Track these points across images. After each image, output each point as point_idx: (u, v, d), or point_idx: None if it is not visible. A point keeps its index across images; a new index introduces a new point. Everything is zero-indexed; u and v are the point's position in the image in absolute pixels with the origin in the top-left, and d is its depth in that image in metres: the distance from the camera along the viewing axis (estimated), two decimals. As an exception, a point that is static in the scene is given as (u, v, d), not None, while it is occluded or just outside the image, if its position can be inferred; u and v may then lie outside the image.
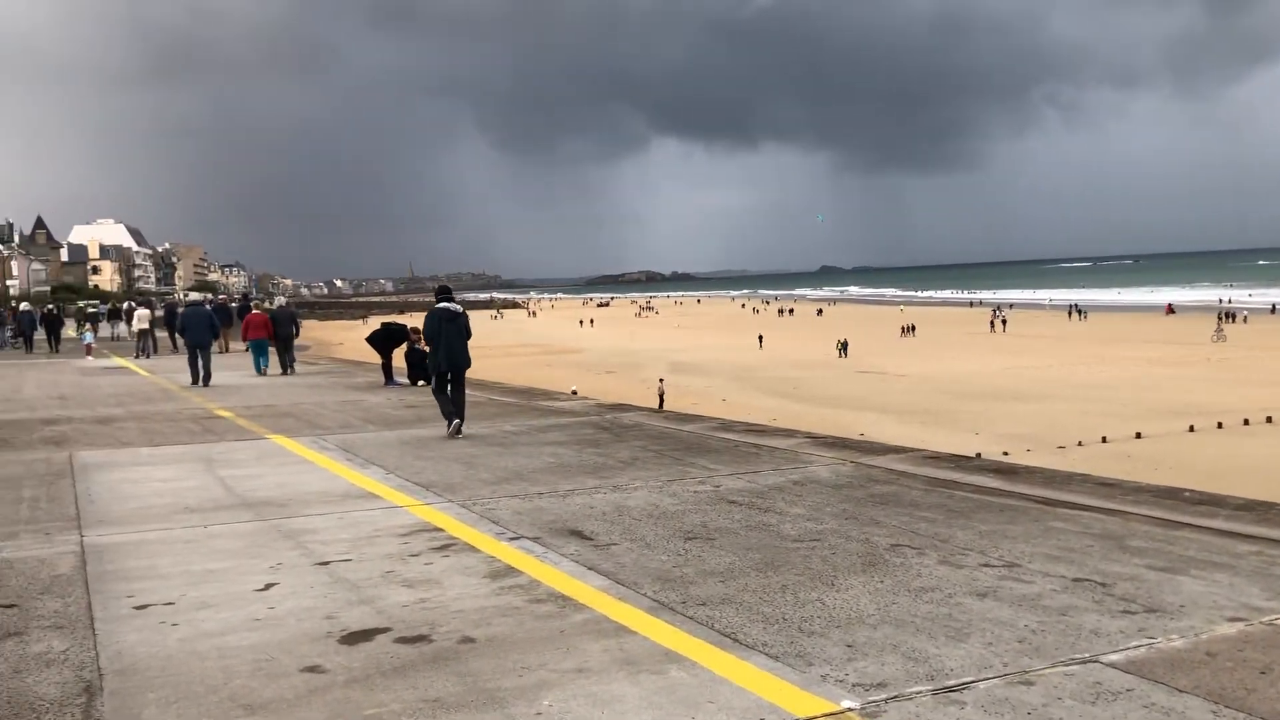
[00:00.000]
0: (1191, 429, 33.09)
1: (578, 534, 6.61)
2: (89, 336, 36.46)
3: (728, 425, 11.59)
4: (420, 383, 18.32)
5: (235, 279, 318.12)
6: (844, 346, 65.74)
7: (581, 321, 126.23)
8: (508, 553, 6.16)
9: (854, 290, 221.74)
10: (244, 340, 24.78)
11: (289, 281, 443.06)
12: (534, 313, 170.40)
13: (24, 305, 44.32)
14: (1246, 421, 33.84)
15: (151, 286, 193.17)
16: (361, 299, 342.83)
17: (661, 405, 43.08)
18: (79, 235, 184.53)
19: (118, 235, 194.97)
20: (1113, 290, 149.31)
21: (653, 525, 6.79)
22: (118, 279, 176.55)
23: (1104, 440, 31.90)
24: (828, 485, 8.01)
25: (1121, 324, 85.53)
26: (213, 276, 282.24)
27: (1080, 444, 31.82)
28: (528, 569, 5.78)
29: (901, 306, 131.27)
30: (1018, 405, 41.36)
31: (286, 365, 23.69)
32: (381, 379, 19.79)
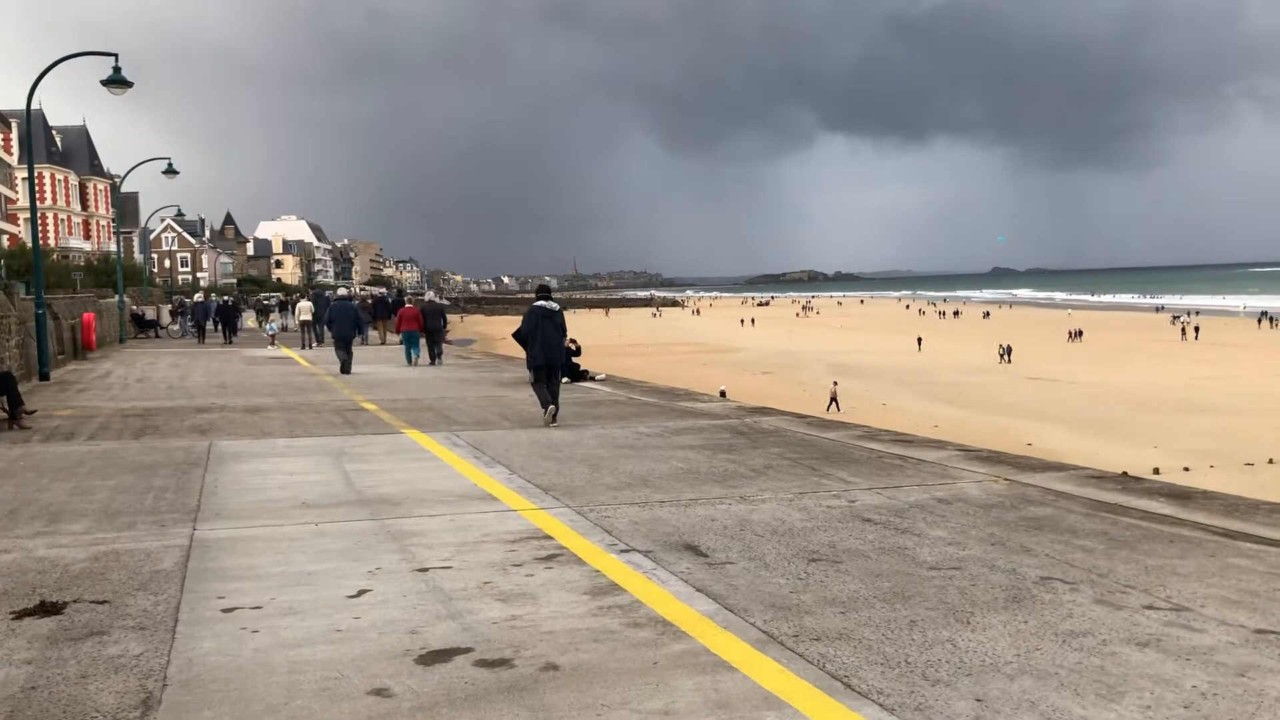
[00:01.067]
0: (1405, 450, 30.03)
1: (693, 549, 6.16)
2: (273, 326, 38.22)
3: (873, 434, 10.90)
4: (566, 380, 18.18)
5: (408, 274, 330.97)
6: (1007, 351, 62.93)
7: (742, 321, 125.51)
8: (615, 567, 5.77)
9: (1023, 294, 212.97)
10: (397, 332, 26.04)
11: (459, 277, 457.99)
12: (697, 310, 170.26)
13: (197, 296, 46.96)
14: None
15: (330, 280, 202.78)
16: (527, 295, 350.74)
17: (831, 407, 42.14)
18: (264, 231, 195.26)
19: (299, 231, 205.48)
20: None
21: (775, 543, 6.28)
22: (299, 272, 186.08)
23: (1301, 458, 29.33)
24: (976, 505, 7.30)
25: (1325, 332, 79.05)
26: (387, 271, 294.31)
27: (1271, 461, 29.36)
28: (632, 587, 5.36)
29: (1070, 311, 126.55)
30: (1203, 418, 38.59)
31: (435, 356, 24.61)
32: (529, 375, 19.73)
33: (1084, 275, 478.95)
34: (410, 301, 37.74)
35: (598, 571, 5.68)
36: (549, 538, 6.50)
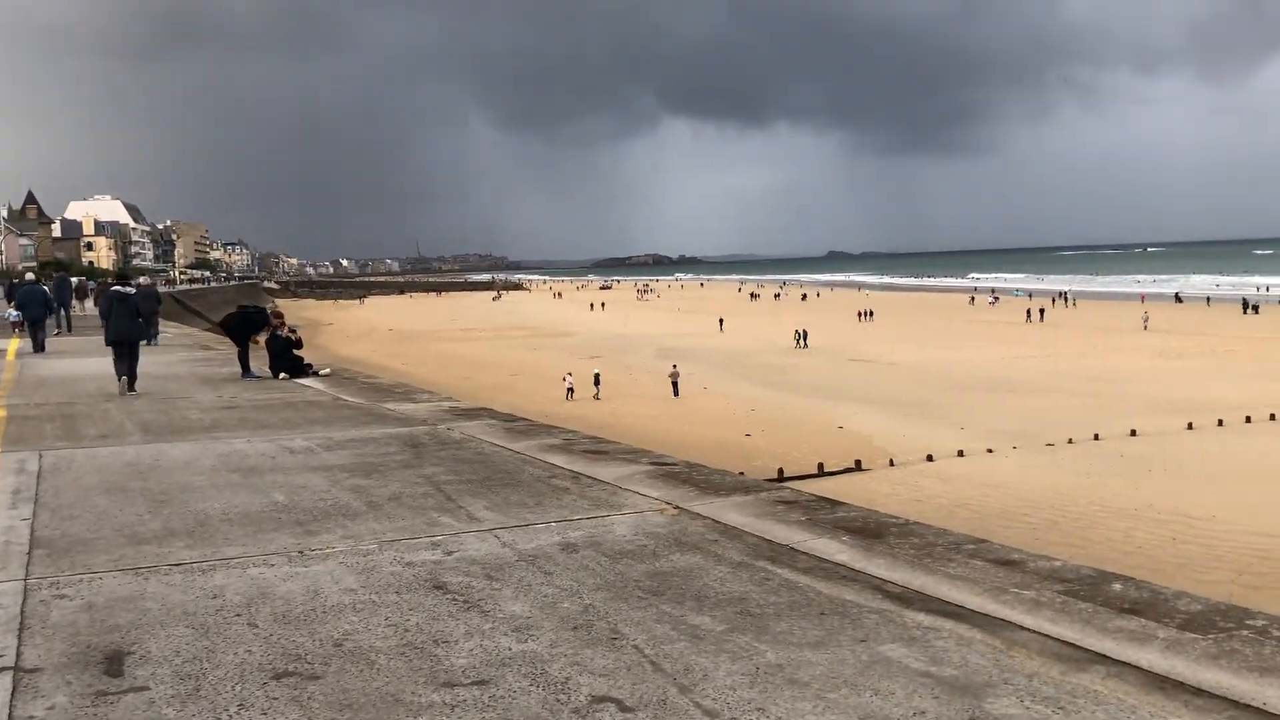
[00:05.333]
0: (1190, 426, 30.49)
1: (115, 659, 4.07)
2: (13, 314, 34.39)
3: (570, 443, 9.04)
4: (282, 375, 15.78)
5: (237, 257, 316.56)
6: (803, 335, 63.14)
7: (591, 305, 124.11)
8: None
9: (860, 277, 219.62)
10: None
11: (294, 260, 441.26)
12: (559, 294, 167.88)
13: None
14: (1249, 419, 31.23)
15: (149, 264, 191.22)
16: (366, 279, 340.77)
17: (676, 392, 41.05)
18: (74, 211, 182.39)
19: (114, 211, 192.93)
20: (1129, 278, 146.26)
21: (262, 642, 4.27)
22: (114, 256, 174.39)
23: (1096, 438, 29.37)
24: (610, 552, 5.47)
25: (1126, 313, 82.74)
26: (214, 255, 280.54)
27: (1071, 441, 29.31)
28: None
29: (867, 293, 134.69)
30: (1012, 398, 38.81)
31: (150, 338, 24.09)
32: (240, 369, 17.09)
33: (917, 258, 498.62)
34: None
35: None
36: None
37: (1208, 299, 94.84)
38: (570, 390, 41.26)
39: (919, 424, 33.56)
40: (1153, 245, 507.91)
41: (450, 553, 5.59)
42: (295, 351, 15.96)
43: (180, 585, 5.09)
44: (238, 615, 4.61)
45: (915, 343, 62.25)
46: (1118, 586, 4.47)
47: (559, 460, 8.18)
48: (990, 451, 28.96)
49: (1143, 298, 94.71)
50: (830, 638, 4.13)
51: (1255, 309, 77.53)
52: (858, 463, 27.72)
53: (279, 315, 16.86)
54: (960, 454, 28.48)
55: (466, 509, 6.63)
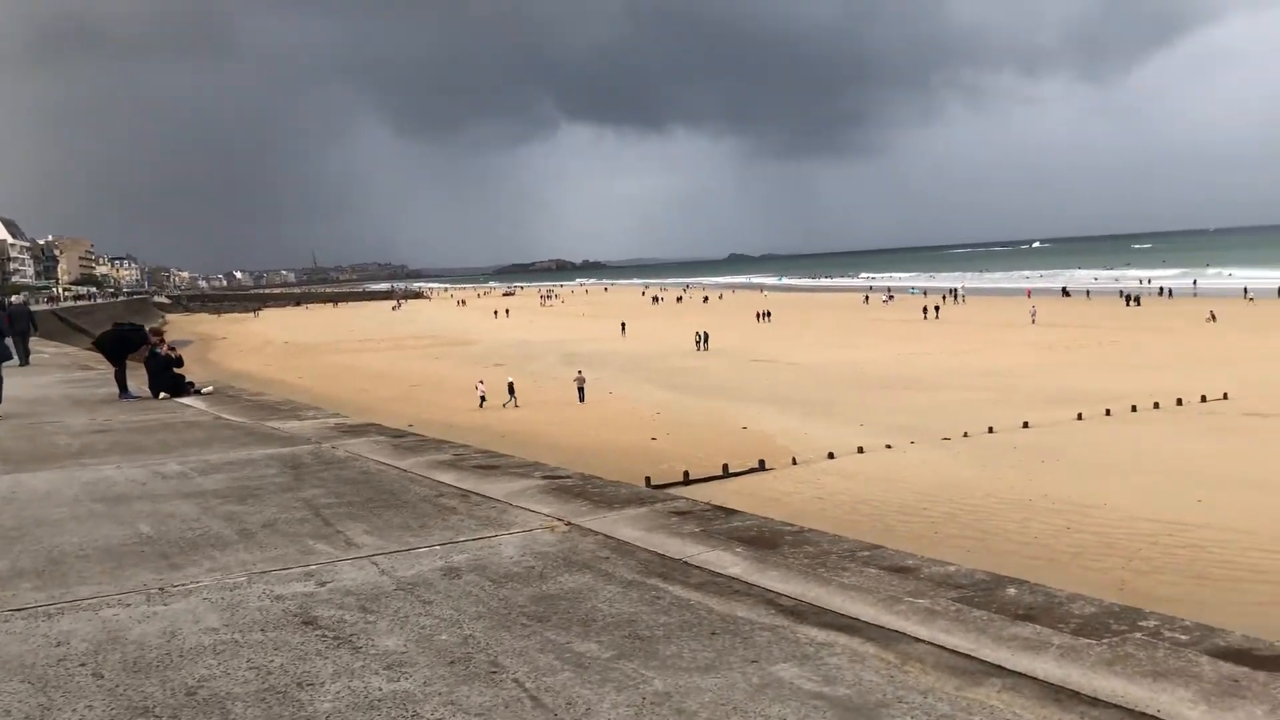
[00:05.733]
0: (1080, 417, 31.42)
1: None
2: None
3: (460, 459, 8.72)
4: (163, 395, 15.06)
5: (126, 272, 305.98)
6: (704, 338, 63.81)
7: (496, 312, 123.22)
8: None
9: (760, 279, 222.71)
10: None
11: (185, 274, 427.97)
12: (462, 302, 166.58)
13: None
14: (1135, 408, 32.33)
15: (29, 281, 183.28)
16: (261, 291, 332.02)
17: (582, 398, 40.95)
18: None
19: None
20: (1017, 274, 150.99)
21: (99, 700, 3.87)
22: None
23: (990, 431, 30.06)
24: (494, 575, 5.20)
25: (1015, 308, 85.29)
26: (101, 270, 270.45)
27: (966, 435, 29.92)
28: None
29: (766, 294, 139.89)
30: (909, 394, 39.51)
31: (23, 357, 23.90)
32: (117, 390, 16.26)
33: (815, 259, 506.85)
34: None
35: None
36: None
37: (1087, 292, 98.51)
38: (483, 398, 41.31)
39: (820, 422, 33.93)
40: (1038, 241, 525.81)
41: (324, 583, 5.25)
42: (176, 370, 15.24)
43: (21, 633, 4.65)
44: (82, 665, 4.21)
45: (815, 343, 63.17)
46: (1012, 591, 4.37)
47: (448, 477, 7.86)
48: (889, 447, 29.40)
49: (1029, 292, 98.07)
50: (721, 659, 3.94)
51: (1136, 301, 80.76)
52: (761, 463, 27.86)
53: (158, 333, 16.11)
54: (860, 450, 28.85)
55: (345, 534, 6.28)
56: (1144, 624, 3.85)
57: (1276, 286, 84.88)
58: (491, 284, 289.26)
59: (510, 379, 43.74)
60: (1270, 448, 25.73)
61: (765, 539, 5.50)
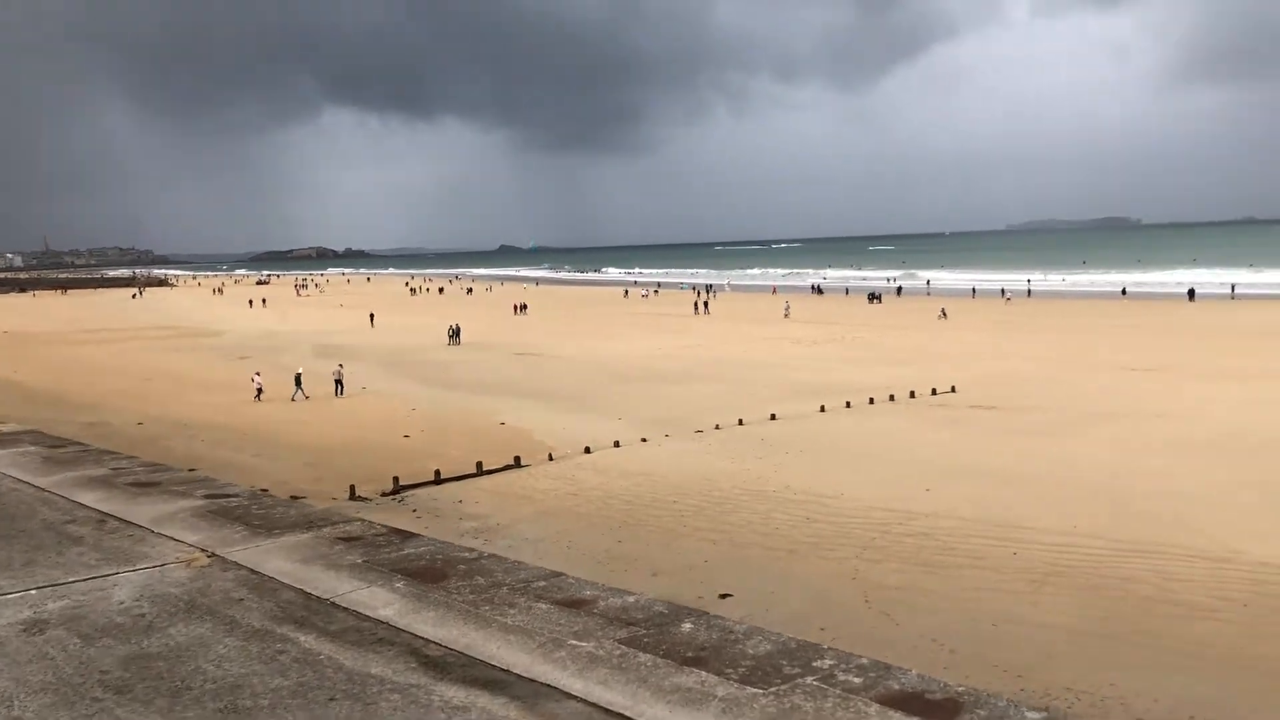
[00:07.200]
0: (823, 409, 32.57)
1: None
2: None
3: (116, 475, 7.55)
4: None
5: None
6: (456, 332, 62.86)
7: (251, 302, 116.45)
8: None
9: (530, 272, 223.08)
10: None
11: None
12: (220, 290, 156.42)
13: None
14: (872, 400, 33.85)
15: None
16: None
17: (339, 392, 38.96)
18: None
19: None
20: (775, 271, 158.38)
21: None
22: None
23: (740, 423, 30.64)
24: (91, 629, 4.30)
25: (771, 304, 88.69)
26: None
27: (718, 427, 30.36)
28: None
29: (526, 286, 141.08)
30: (667, 387, 39.90)
31: None
32: None
33: (587, 253, 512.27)
34: None
35: None
36: None
37: (813, 286, 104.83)
38: (259, 390, 39.34)
39: (579, 416, 33.66)
40: (790, 241, 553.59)
41: None
42: None
43: None
44: None
45: (576, 336, 63.21)
46: (688, 626, 3.91)
47: (91, 498, 6.75)
48: (644, 441, 29.42)
49: (774, 289, 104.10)
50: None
51: (879, 299, 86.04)
52: (517, 459, 27.21)
53: None
54: (617, 444, 28.71)
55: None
56: (819, 664, 3.46)
57: (999, 288, 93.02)
58: (242, 271, 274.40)
59: (299, 370, 41.64)
60: (992, 438, 27.47)
61: (434, 570, 4.84)
